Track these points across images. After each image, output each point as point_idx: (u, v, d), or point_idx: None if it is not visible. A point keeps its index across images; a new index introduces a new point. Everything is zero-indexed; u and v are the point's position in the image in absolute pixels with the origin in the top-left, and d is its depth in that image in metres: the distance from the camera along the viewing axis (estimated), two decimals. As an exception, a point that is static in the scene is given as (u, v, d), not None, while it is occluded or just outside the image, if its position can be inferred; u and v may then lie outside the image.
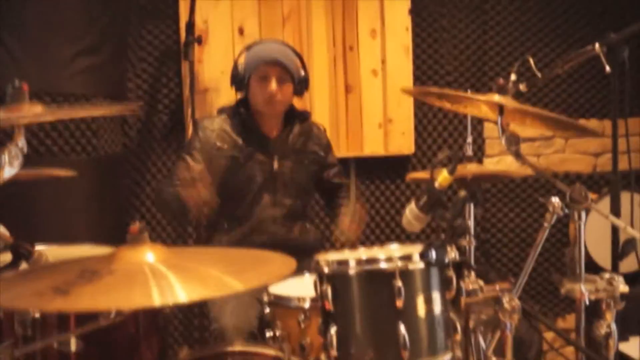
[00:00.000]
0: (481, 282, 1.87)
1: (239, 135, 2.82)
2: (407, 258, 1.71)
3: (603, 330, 2.08)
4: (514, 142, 2.09)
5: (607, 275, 2.08)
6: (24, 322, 2.14)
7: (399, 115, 3.77)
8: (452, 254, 1.79)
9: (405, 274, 1.69)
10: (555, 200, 2.57)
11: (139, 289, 1.39)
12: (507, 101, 2.01)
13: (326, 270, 1.75)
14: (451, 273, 1.78)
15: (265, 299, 2.24)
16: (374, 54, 3.76)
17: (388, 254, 1.71)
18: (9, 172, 1.69)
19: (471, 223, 2.43)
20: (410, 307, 1.70)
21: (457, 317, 1.80)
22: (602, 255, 3.27)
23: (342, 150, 3.71)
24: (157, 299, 1.33)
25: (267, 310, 2.23)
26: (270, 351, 1.96)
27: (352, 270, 1.72)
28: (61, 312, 2.00)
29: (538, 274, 3.99)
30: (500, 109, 2.10)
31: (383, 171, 3.83)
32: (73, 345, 2.03)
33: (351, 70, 3.76)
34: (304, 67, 2.89)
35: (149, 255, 1.59)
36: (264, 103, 2.79)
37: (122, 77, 3.61)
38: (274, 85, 2.75)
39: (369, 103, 3.76)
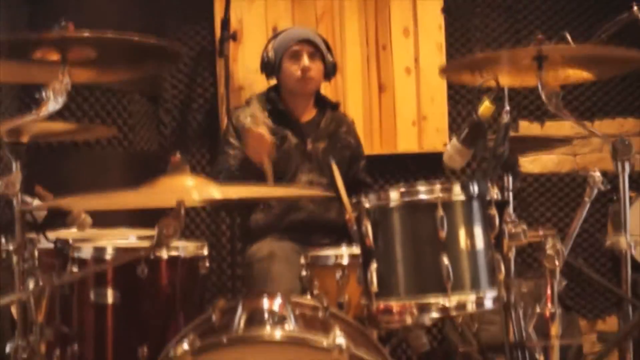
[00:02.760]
0: (524, 226, 1.82)
1: (271, 119, 2.85)
2: (448, 190, 1.68)
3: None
4: (554, 96, 2.06)
5: (653, 227, 2.03)
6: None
7: (433, 112, 3.76)
8: (494, 193, 1.77)
9: (447, 205, 1.67)
10: (595, 174, 2.53)
11: (179, 193, 1.40)
12: (549, 49, 1.98)
13: (367, 205, 1.73)
14: (493, 212, 1.75)
15: (303, 261, 2.22)
16: (407, 53, 3.77)
17: (429, 187, 1.68)
18: (53, 106, 1.71)
19: (510, 196, 2.39)
20: (453, 239, 1.67)
21: (500, 258, 1.76)
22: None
23: (375, 147, 3.70)
24: (196, 196, 1.33)
25: (304, 273, 2.21)
26: (309, 301, 1.92)
27: (394, 202, 1.70)
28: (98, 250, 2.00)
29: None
30: (540, 63, 2.08)
31: (417, 168, 3.80)
32: (110, 297, 2.03)
33: (384, 69, 3.77)
34: (330, 52, 2.98)
35: (190, 181, 1.59)
36: (298, 80, 2.86)
37: (158, 76, 3.67)
38: (306, 60, 2.84)
39: (403, 101, 3.77)
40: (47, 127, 2.04)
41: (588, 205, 2.54)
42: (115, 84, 3.37)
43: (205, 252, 2.16)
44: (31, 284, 1.61)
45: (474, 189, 1.69)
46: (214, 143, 3.66)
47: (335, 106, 3.07)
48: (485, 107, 1.70)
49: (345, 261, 2.09)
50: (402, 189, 1.70)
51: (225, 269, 3.65)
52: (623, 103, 3.99)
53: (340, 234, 2.59)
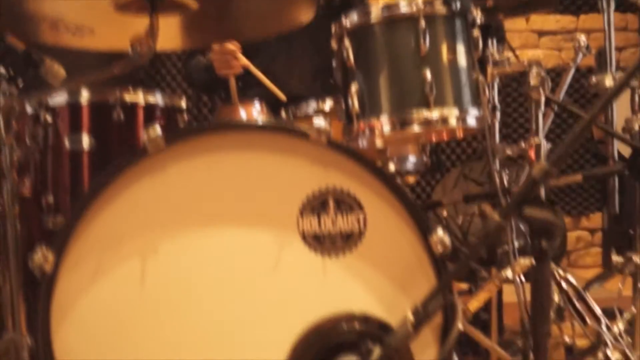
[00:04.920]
0: (511, 54, 1.78)
1: None
2: (430, 3, 1.63)
3: (638, 124, 2.00)
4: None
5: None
6: (34, 134, 2.09)
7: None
8: (478, 15, 1.72)
9: (430, 18, 1.62)
10: (581, 37, 2.49)
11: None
12: None
13: (347, 24, 1.67)
14: (477, 33, 1.70)
15: (283, 114, 2.17)
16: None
17: (410, 0, 1.63)
18: None
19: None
20: (435, 53, 1.63)
21: (484, 82, 1.72)
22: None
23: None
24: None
25: (286, 126, 2.15)
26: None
27: (375, 18, 1.65)
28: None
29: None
30: None
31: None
32: (85, 144, 1.97)
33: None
34: None
35: None
36: None
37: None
38: None
39: None
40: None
41: (573, 71, 2.50)
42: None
43: (184, 104, 2.09)
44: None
45: (457, 4, 1.65)
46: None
47: None
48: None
49: (327, 107, 2.03)
50: (383, 4, 1.64)
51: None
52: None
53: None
